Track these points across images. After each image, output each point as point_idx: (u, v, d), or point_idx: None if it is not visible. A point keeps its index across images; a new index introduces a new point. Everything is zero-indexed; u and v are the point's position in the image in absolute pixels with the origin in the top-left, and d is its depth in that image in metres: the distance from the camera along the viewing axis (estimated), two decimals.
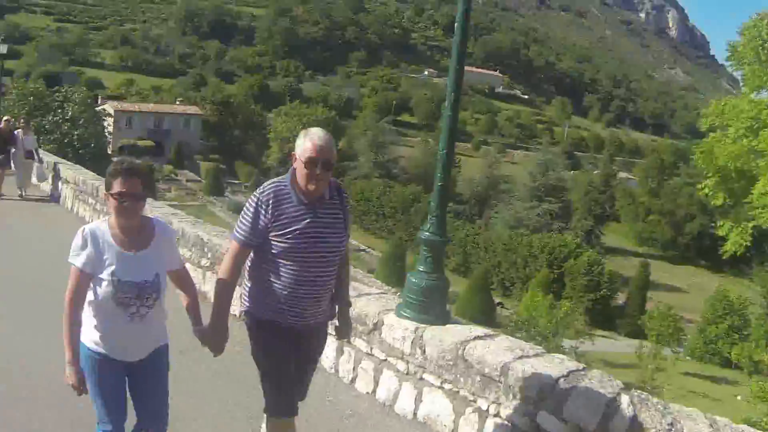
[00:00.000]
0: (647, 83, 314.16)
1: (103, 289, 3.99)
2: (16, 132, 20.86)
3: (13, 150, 20.43)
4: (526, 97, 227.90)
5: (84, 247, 3.98)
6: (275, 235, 4.24)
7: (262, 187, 4.37)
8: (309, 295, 4.34)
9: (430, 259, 6.60)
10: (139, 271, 4.05)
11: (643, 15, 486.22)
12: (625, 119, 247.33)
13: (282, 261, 4.26)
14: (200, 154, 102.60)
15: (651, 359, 46.88)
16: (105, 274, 3.98)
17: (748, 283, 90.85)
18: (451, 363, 5.68)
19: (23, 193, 20.29)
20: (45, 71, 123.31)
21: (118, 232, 4.07)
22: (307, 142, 4.23)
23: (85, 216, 17.18)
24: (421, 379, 6.03)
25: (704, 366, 60.27)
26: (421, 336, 6.09)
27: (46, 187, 22.19)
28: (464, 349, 5.58)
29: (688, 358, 63.05)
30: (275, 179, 4.42)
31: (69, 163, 23.49)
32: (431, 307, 6.37)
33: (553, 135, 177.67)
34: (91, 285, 4.05)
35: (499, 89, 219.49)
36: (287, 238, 4.22)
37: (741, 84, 18.70)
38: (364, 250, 76.98)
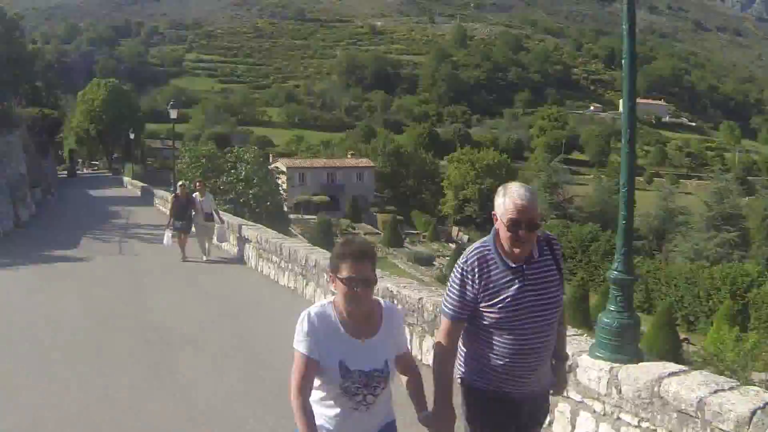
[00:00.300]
0: None
1: (329, 377, 3.88)
2: (194, 195, 21.35)
3: (193, 214, 20.92)
4: (693, 124, 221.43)
5: (310, 333, 3.86)
6: (485, 306, 4.06)
7: (465, 254, 4.16)
8: (527, 364, 4.15)
9: (620, 298, 6.66)
10: (368, 360, 3.92)
11: None
12: None
13: (495, 332, 4.08)
14: (376, 206, 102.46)
15: None
16: (332, 362, 3.86)
17: None
18: (646, 401, 5.60)
19: (206, 256, 20.65)
20: (214, 133, 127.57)
21: (346, 318, 3.93)
22: (508, 202, 4.00)
23: (270, 273, 17.58)
24: (618, 419, 5.97)
25: None
26: (617, 375, 6.05)
27: (228, 247, 22.45)
28: (659, 386, 5.51)
29: None
30: (478, 243, 4.20)
31: (250, 222, 23.95)
32: (624, 346, 6.39)
33: (724, 161, 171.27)
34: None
35: (666, 118, 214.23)
36: (498, 308, 4.02)
37: None
38: None
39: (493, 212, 4.12)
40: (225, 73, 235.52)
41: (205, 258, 20.49)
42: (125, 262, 21.32)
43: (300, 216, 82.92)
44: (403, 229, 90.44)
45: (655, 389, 5.54)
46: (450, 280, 4.21)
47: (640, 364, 6.15)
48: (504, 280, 4.03)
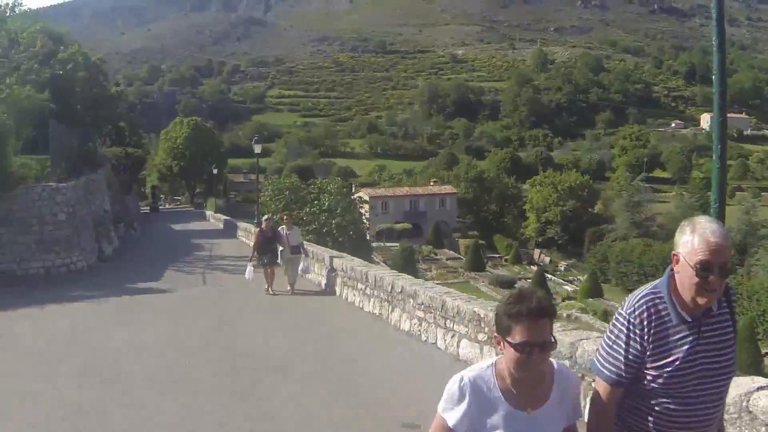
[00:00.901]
0: None
1: None
2: (280, 228, 21.19)
3: (280, 248, 20.75)
4: None
5: (461, 399, 3.34)
6: (650, 368, 3.39)
7: (630, 301, 3.49)
8: None
9: None
10: None
11: None
12: None
13: (657, 399, 3.43)
14: (458, 231, 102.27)
15: None
16: None
17: None
18: (735, 416, 5.39)
19: (293, 289, 20.42)
20: (296, 165, 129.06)
21: (510, 386, 3.34)
22: (698, 241, 3.32)
23: (355, 301, 17.46)
24: None
25: None
26: None
27: (312, 277, 22.24)
28: (748, 400, 5.33)
29: None
30: (646, 289, 3.52)
31: (335, 252, 23.54)
32: None
33: None
34: None
35: (747, 131, 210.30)
36: (666, 371, 3.36)
37: None
38: None
39: (673, 252, 3.40)
40: (307, 107, 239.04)
41: (291, 290, 20.31)
42: (209, 293, 21.54)
43: (382, 244, 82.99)
44: (485, 254, 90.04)
45: (744, 404, 5.41)
46: (608, 332, 3.56)
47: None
48: (677, 337, 3.38)
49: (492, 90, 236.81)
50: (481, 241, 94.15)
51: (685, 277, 3.33)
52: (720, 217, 6.75)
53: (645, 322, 3.38)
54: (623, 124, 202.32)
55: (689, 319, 3.36)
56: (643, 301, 3.43)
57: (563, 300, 67.47)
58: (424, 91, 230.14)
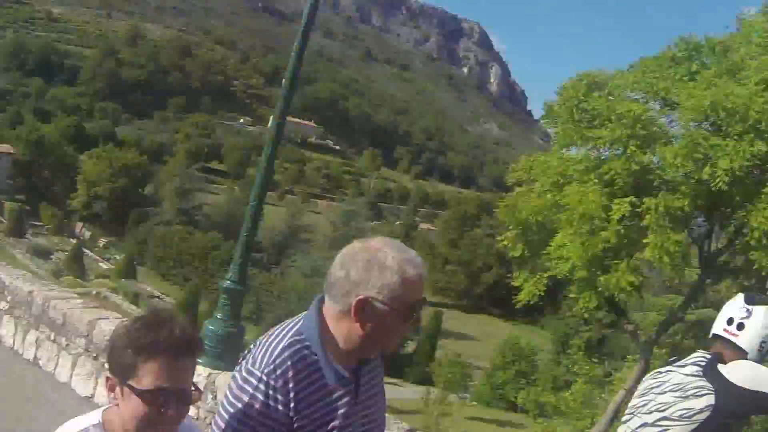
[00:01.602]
0: (460, 137, 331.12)
1: None
2: None
3: None
4: (338, 148, 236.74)
5: None
6: None
7: (263, 353, 2.48)
8: None
9: (227, 307, 6.90)
10: None
11: (466, 70, 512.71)
12: (434, 171, 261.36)
13: None
14: (5, 193, 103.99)
15: (437, 405, 49.60)
16: None
17: (539, 330, 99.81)
18: None
19: None
20: None
21: None
22: (410, 272, 2.47)
23: None
24: (210, 424, 5.17)
25: (491, 411, 65.46)
26: (214, 382, 6.31)
27: None
28: None
29: (474, 403, 68.28)
30: (285, 335, 2.52)
31: None
32: (226, 354, 6.55)
33: (360, 186, 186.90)
34: None
35: (313, 139, 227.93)
36: None
37: (552, 140, 18.00)
38: (158, 297, 77.75)
39: (358, 296, 2.41)
40: None
41: None
42: None
43: None
44: (29, 220, 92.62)
45: None
46: (227, 404, 2.48)
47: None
48: (332, 398, 2.52)
49: (77, 55, 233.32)
50: (26, 207, 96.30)
51: (384, 325, 2.49)
52: (255, 215, 7.12)
53: (291, 384, 2.42)
54: (195, 112, 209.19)
55: (345, 374, 2.51)
56: (287, 354, 2.44)
57: (96, 278, 72.57)
58: (9, 42, 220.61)
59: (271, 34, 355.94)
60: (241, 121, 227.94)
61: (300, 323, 2.59)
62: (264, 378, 2.43)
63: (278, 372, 2.44)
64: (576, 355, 49.81)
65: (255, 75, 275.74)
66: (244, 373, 2.49)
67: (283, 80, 7.83)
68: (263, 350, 2.51)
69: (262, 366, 2.46)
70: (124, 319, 2.45)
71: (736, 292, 3.87)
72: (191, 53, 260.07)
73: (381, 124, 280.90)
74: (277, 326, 2.64)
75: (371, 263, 2.47)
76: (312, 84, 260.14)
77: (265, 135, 11.03)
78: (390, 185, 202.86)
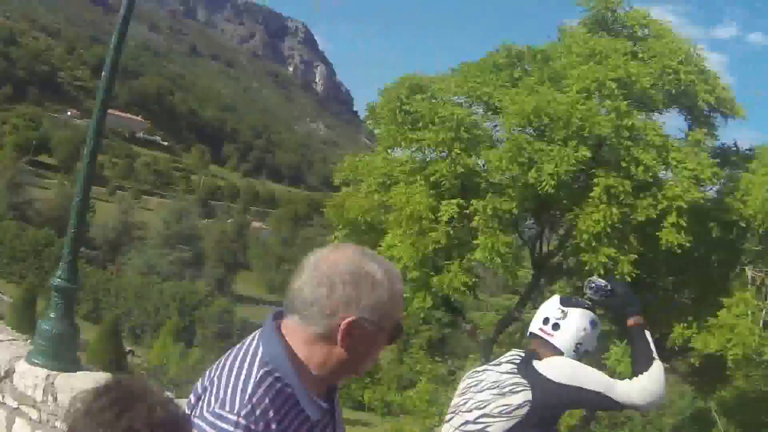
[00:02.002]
0: (288, 135, 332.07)
1: None
2: None
3: None
4: (166, 143, 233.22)
5: None
6: None
7: (230, 391, 2.14)
8: None
9: (61, 306, 6.69)
10: None
11: (291, 68, 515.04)
12: (263, 170, 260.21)
13: None
14: None
15: None
16: None
17: None
18: None
19: None
20: None
21: None
22: (397, 287, 2.29)
23: None
24: (54, 427, 5.93)
25: None
26: (53, 383, 6.08)
27: None
28: None
29: None
30: (248, 366, 2.21)
31: None
32: (62, 354, 6.43)
33: (190, 183, 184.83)
34: None
35: (140, 134, 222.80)
36: None
37: (377, 142, 17.88)
38: None
39: (347, 318, 2.16)
40: None
41: None
42: None
43: None
44: None
45: None
46: None
47: (78, 373, 6.26)
48: None
49: None
50: None
51: (371, 348, 2.27)
52: (81, 210, 6.91)
53: (273, 426, 2.11)
54: (21, 103, 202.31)
55: (325, 405, 2.26)
56: (261, 391, 2.11)
57: None
58: None
59: (97, 24, 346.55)
60: (69, 113, 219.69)
61: (260, 350, 2.23)
62: (242, 422, 2.05)
63: (257, 413, 2.08)
64: (418, 354, 50.75)
65: (81, 66, 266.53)
66: (212, 418, 2.08)
67: (103, 72, 7.37)
68: (230, 389, 2.13)
69: (237, 408, 2.07)
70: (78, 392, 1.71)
71: (571, 292, 4.08)
72: (17, 41, 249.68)
73: (208, 121, 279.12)
74: (226, 356, 2.30)
75: (360, 279, 2.19)
76: (138, 78, 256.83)
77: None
78: (219, 183, 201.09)
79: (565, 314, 3.85)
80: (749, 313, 13.18)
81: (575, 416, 20.06)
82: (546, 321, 3.89)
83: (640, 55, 14.96)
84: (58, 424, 5.76)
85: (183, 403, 2.19)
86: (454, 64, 17.76)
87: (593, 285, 3.98)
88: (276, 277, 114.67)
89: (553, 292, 17.91)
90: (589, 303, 4.00)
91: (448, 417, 3.93)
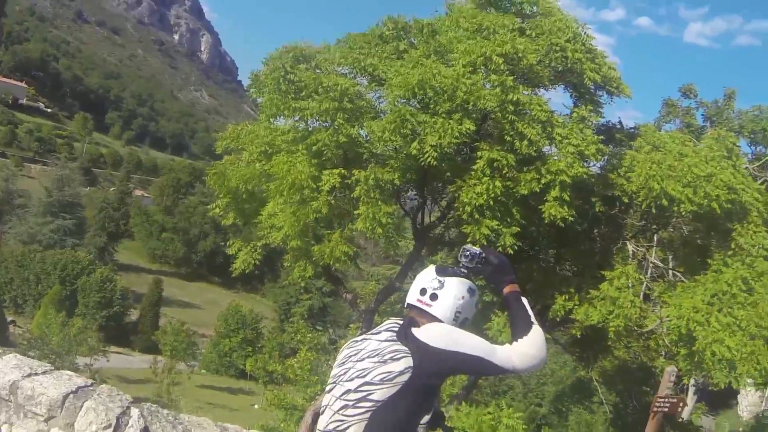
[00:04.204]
0: (171, 104, 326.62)
1: None
2: None
3: None
4: (50, 110, 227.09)
5: None
6: None
7: None
8: None
9: None
10: None
11: (177, 37, 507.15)
12: (146, 138, 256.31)
13: None
14: None
15: (166, 374, 49.62)
16: None
17: (260, 298, 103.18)
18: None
19: None
20: None
21: None
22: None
23: None
24: None
25: (221, 378, 66.01)
26: None
27: None
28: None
29: (203, 371, 68.45)
30: None
31: None
32: None
33: (73, 150, 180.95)
34: None
35: (23, 101, 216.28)
36: None
37: (260, 111, 17.47)
38: None
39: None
40: None
41: None
42: None
43: None
44: None
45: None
46: None
47: None
48: None
49: None
50: None
51: None
52: None
53: None
54: None
55: None
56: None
57: None
58: None
59: None
60: None
61: None
62: None
63: None
64: (299, 323, 50.51)
65: None
66: None
67: None
68: None
69: None
70: None
71: (452, 263, 3.83)
72: None
73: (92, 88, 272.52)
74: None
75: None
76: (22, 43, 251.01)
77: None
78: (102, 150, 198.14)
79: (442, 284, 3.83)
80: (630, 285, 13.20)
81: (457, 385, 20.11)
82: (423, 292, 3.85)
83: (528, 32, 14.81)
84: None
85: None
86: (340, 36, 17.58)
87: (467, 253, 3.94)
88: (158, 245, 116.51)
89: (434, 263, 17.78)
90: (465, 271, 3.95)
91: (328, 387, 3.88)
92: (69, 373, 5.58)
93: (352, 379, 3.68)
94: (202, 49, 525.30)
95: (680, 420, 24.53)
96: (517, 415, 15.04)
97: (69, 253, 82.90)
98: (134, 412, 4.97)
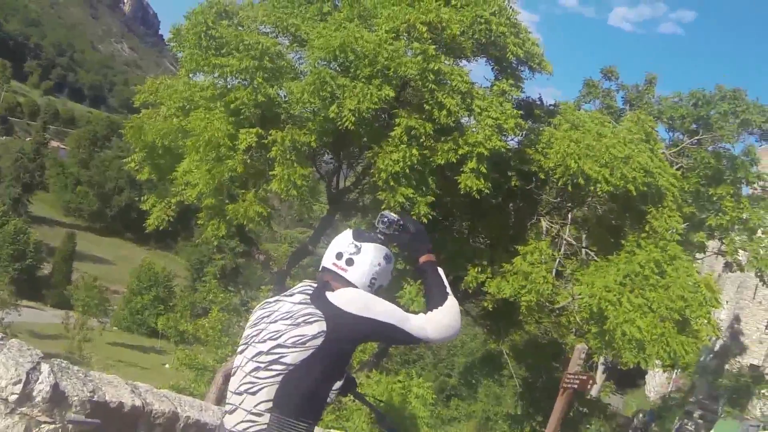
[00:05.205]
0: (91, 55, 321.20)
1: None
2: None
3: None
4: None
5: None
6: None
7: None
8: None
9: None
10: None
11: None
12: (65, 89, 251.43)
13: None
14: None
15: (78, 330, 49.30)
16: None
17: (173, 256, 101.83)
18: None
19: None
20: None
21: None
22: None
23: None
24: None
25: (132, 336, 65.06)
26: None
27: None
28: None
29: (115, 328, 67.94)
30: None
31: None
32: None
33: None
34: None
35: None
36: None
37: (180, 65, 17.64)
38: None
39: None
40: None
41: None
42: None
43: None
44: None
45: None
46: None
47: None
48: None
49: None
50: None
51: None
52: None
53: None
54: None
55: None
56: None
57: None
58: None
59: None
60: None
61: None
62: None
63: None
64: (211, 282, 50.21)
65: None
66: None
67: None
68: None
69: None
70: None
71: (366, 229, 3.74)
72: None
73: (12, 35, 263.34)
74: None
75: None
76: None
77: None
78: (19, 99, 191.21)
79: (358, 249, 3.74)
80: (543, 261, 13.32)
81: (367, 352, 20.15)
82: (339, 256, 3.75)
83: (453, 2, 14.84)
84: None
85: None
86: None
87: (385, 219, 3.84)
88: (72, 198, 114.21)
89: (348, 228, 17.77)
90: (382, 237, 3.84)
91: (240, 348, 3.73)
92: None
93: (264, 341, 3.57)
94: (125, 0, 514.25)
95: (589, 397, 25.00)
96: (427, 384, 15.10)
97: None
98: (44, 367, 4.69)
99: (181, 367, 27.82)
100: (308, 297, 3.65)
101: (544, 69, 15.69)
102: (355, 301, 3.58)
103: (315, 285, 3.74)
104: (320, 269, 3.84)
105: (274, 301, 3.77)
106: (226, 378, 16.30)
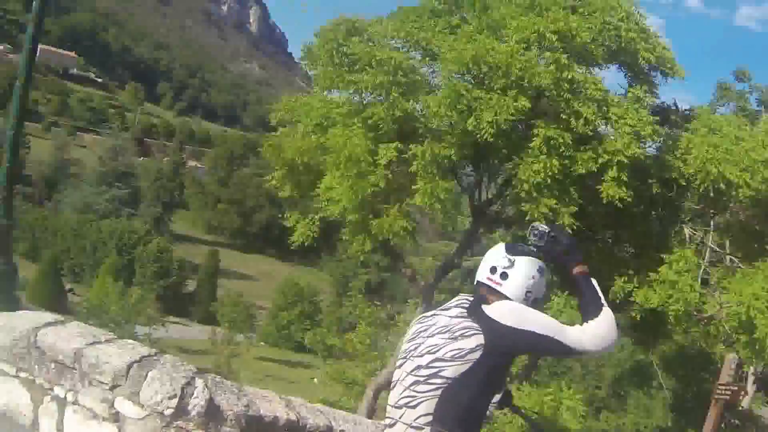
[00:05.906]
0: (222, 75, 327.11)
1: None
2: None
3: None
4: (100, 80, 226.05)
5: None
6: None
7: None
8: None
9: None
10: None
11: (225, 8, 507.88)
12: (198, 109, 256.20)
13: None
14: None
15: (225, 345, 50.71)
16: None
17: (317, 271, 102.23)
18: (24, 350, 5.40)
19: None
20: None
21: None
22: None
23: None
24: None
25: (279, 351, 66.37)
26: None
27: None
28: (36, 335, 5.36)
29: (262, 343, 68.40)
30: None
31: None
32: (1, 294, 6.60)
33: (125, 120, 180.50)
34: None
35: (73, 71, 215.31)
36: None
37: (313, 83, 17.74)
38: None
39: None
40: None
41: None
42: None
43: None
44: None
45: (32, 339, 5.37)
46: None
47: (18, 312, 6.22)
48: None
49: None
50: None
51: None
52: (15, 146, 6.93)
53: None
54: None
55: None
56: None
57: None
58: None
59: None
60: (1, 47, 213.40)
61: None
62: None
63: None
64: (357, 297, 50.82)
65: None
66: None
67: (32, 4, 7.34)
68: None
69: None
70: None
71: (510, 241, 3.96)
72: None
73: (142, 59, 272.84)
74: None
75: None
76: (70, 13, 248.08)
77: None
78: (154, 121, 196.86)
79: (512, 263, 3.83)
80: (689, 269, 13.13)
81: (517, 365, 20.22)
82: (493, 270, 3.86)
83: (580, 10, 14.63)
84: (0, 365, 5.56)
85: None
86: (391, 9, 17.34)
87: (537, 231, 3.94)
88: (213, 216, 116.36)
89: (491, 240, 17.67)
90: (534, 250, 3.95)
91: (399, 362, 3.90)
92: (132, 342, 5.62)
93: (422, 355, 3.72)
94: (251, 20, 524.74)
95: (740, 408, 24.47)
96: (577, 396, 15.01)
97: (125, 222, 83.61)
98: (199, 382, 4.99)
99: (330, 381, 28.37)
100: (465, 311, 3.76)
101: (676, 73, 15.16)
102: (511, 313, 3.68)
103: (471, 298, 3.84)
104: (475, 283, 3.93)
105: (431, 315, 3.90)
106: (377, 393, 17.10)
